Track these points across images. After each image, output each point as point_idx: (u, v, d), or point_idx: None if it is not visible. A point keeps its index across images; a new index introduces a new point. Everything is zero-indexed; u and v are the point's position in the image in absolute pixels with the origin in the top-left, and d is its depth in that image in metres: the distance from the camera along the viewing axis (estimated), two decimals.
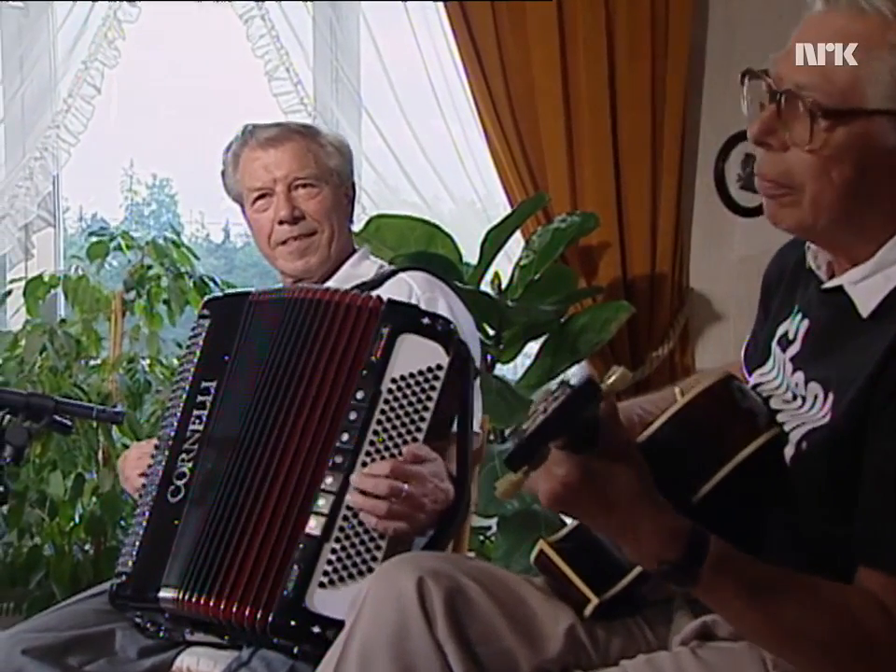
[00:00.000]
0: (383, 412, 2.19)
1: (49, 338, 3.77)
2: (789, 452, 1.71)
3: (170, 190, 4.87)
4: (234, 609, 2.12)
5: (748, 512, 1.71)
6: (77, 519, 3.86)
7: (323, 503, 2.14)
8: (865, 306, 1.67)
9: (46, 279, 3.95)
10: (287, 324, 2.31)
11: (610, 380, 1.57)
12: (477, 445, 2.58)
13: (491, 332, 3.83)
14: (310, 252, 2.62)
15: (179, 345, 3.77)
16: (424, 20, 4.05)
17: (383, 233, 3.79)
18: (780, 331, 1.86)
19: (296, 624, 2.08)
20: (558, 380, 1.58)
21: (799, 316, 1.82)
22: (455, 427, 2.29)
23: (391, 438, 2.18)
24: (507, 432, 1.60)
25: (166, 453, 2.30)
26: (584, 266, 4.03)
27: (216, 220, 4.86)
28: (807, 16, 1.64)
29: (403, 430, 2.19)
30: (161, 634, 2.28)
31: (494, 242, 3.77)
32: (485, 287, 3.81)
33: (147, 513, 2.27)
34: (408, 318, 2.26)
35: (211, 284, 3.93)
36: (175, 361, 3.80)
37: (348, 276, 2.65)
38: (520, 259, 3.86)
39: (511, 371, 4.16)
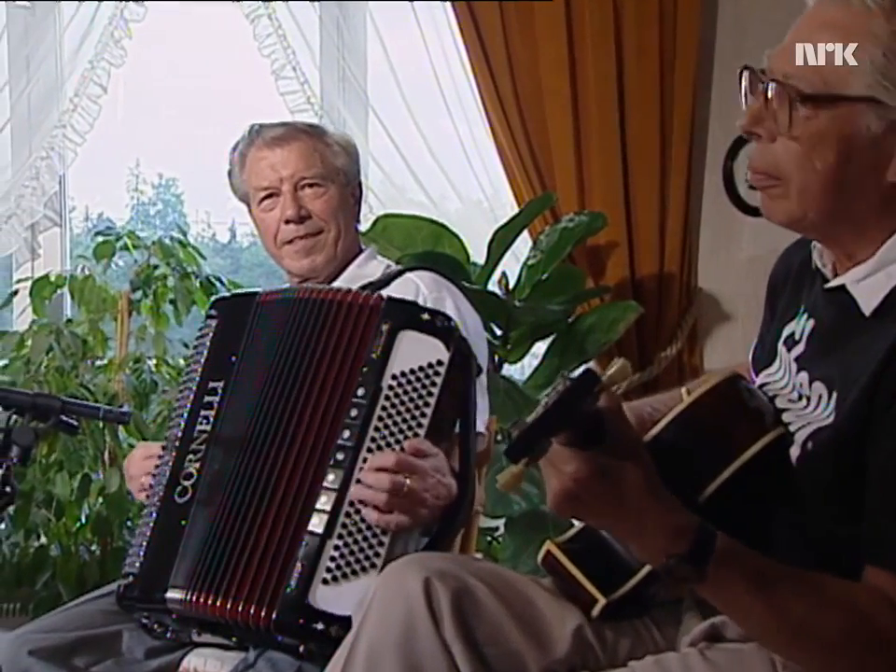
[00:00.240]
0: (384, 408, 2.19)
1: (56, 338, 3.77)
2: (794, 452, 1.71)
3: (176, 190, 4.87)
4: (240, 609, 2.12)
5: (754, 512, 1.70)
6: (83, 519, 3.86)
7: (325, 500, 2.15)
8: (868, 304, 1.67)
9: (52, 279, 3.95)
10: (292, 324, 2.31)
11: (610, 371, 1.57)
12: (484, 446, 2.58)
13: (498, 332, 3.82)
14: (316, 251, 2.63)
15: (186, 345, 3.78)
16: (431, 19, 4.04)
17: (390, 233, 3.79)
18: (787, 332, 1.86)
19: (299, 622, 2.08)
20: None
21: (805, 316, 1.82)
22: (457, 423, 2.29)
23: (392, 434, 2.18)
24: (509, 425, 1.60)
25: (173, 453, 2.30)
26: (592, 266, 4.02)
27: (222, 220, 4.86)
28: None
29: (404, 426, 2.19)
30: (168, 635, 2.28)
31: (501, 241, 3.76)
32: (493, 286, 3.80)
33: (154, 514, 2.27)
34: (407, 315, 2.27)
35: (217, 284, 3.93)
36: (182, 361, 3.80)
37: (355, 276, 2.65)
38: (527, 258, 3.86)
39: (518, 371, 4.16)
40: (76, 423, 2.31)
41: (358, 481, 2.15)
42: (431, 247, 3.76)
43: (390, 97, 4.10)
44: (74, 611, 2.37)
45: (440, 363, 2.22)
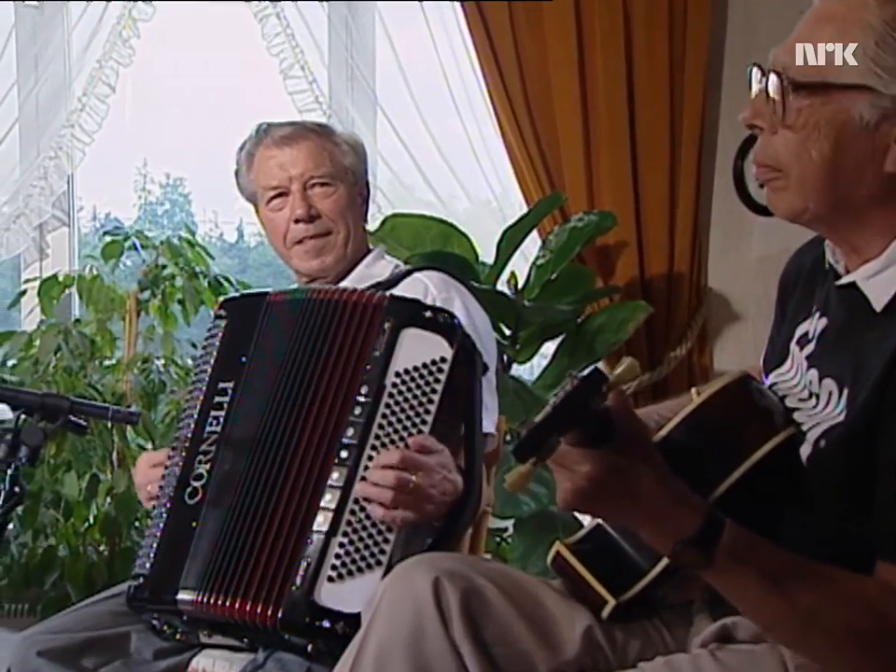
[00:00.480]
0: (387, 405, 2.19)
1: (64, 338, 3.77)
2: (806, 451, 1.72)
3: (183, 190, 4.87)
4: (247, 608, 2.12)
5: (764, 511, 1.69)
6: (91, 520, 3.87)
7: (330, 498, 2.15)
8: (878, 301, 1.69)
9: (60, 279, 3.95)
10: (301, 324, 2.31)
11: (618, 370, 1.57)
12: (493, 446, 2.58)
13: (507, 332, 3.81)
14: (326, 251, 2.63)
15: (194, 345, 3.78)
16: (440, 18, 4.04)
17: (398, 233, 3.78)
18: (800, 332, 1.86)
19: (305, 620, 2.08)
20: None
21: (818, 315, 1.82)
22: (462, 420, 2.29)
23: (396, 431, 2.18)
24: (517, 425, 1.60)
25: (183, 454, 2.30)
26: (601, 266, 4.01)
27: (229, 220, 4.86)
28: None
29: (408, 423, 2.19)
30: (178, 636, 2.27)
31: (510, 241, 3.76)
32: (502, 286, 3.79)
33: (164, 515, 2.27)
34: (410, 312, 2.27)
35: (226, 283, 3.93)
36: (190, 361, 3.80)
37: (363, 276, 2.65)
38: (536, 258, 3.85)
39: (527, 371, 4.15)
40: (84, 423, 2.31)
41: (364, 479, 2.15)
42: (440, 247, 3.75)
43: (399, 96, 4.10)
44: (82, 612, 2.37)
45: (443, 360, 2.21)
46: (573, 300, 3.79)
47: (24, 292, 4.05)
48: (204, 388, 2.34)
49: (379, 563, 2.10)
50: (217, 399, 2.32)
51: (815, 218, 1.71)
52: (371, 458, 2.16)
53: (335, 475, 2.16)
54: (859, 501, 1.62)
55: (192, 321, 3.91)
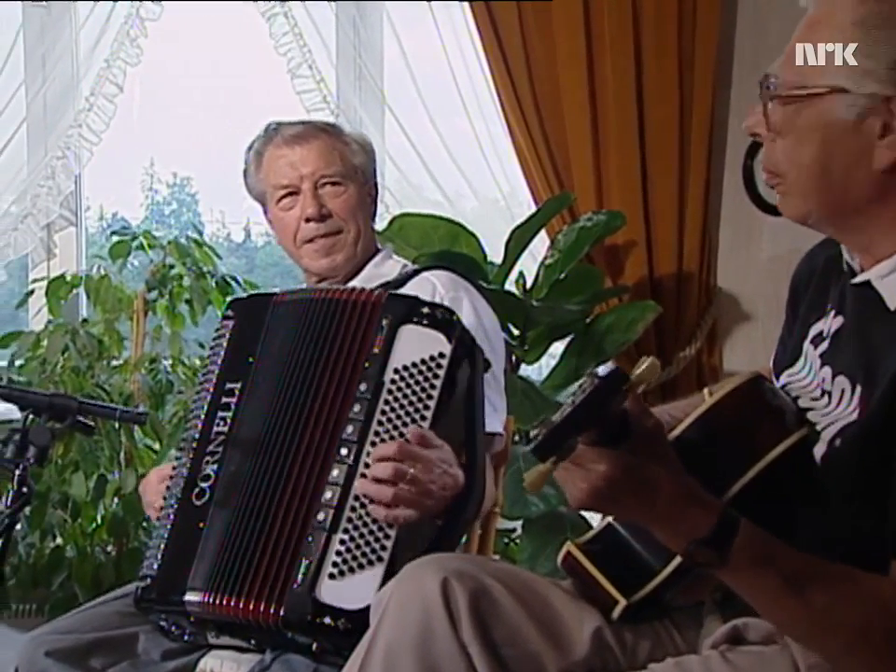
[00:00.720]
0: (386, 402, 2.19)
1: (72, 338, 3.77)
2: (821, 450, 1.72)
3: (190, 189, 4.86)
4: (251, 607, 2.11)
5: (777, 512, 1.69)
6: (99, 520, 3.87)
7: (330, 495, 2.14)
8: (893, 299, 1.70)
9: (68, 279, 3.96)
10: (306, 324, 2.31)
11: (639, 370, 1.57)
12: (501, 446, 2.58)
13: (516, 332, 3.81)
14: (336, 250, 2.62)
15: (201, 345, 3.78)
16: (448, 17, 4.04)
17: (406, 232, 3.78)
18: (814, 331, 1.87)
19: (307, 617, 2.08)
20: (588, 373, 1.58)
21: (832, 313, 1.83)
22: (463, 416, 2.28)
23: (395, 427, 2.18)
24: (533, 424, 1.59)
25: (190, 455, 2.29)
26: (610, 265, 4.01)
27: (236, 219, 4.86)
28: None
29: (408, 419, 2.18)
30: (185, 637, 2.27)
31: (518, 241, 3.75)
32: (510, 286, 3.79)
33: (171, 516, 2.26)
34: (408, 309, 2.26)
35: (233, 283, 3.93)
36: (198, 361, 3.81)
37: (372, 276, 2.64)
38: (545, 258, 3.84)
39: (536, 371, 4.14)
40: (92, 423, 2.32)
41: (364, 475, 2.14)
42: (448, 247, 3.75)
43: (407, 96, 4.10)
44: (90, 613, 2.37)
45: (441, 356, 2.21)
46: (582, 299, 3.78)
47: (32, 292, 4.06)
48: (212, 389, 2.34)
49: (380, 559, 2.09)
50: (225, 399, 2.32)
51: (820, 220, 1.74)
52: (370, 455, 2.16)
53: (335, 472, 2.16)
54: (874, 500, 1.61)
55: (200, 321, 3.91)
